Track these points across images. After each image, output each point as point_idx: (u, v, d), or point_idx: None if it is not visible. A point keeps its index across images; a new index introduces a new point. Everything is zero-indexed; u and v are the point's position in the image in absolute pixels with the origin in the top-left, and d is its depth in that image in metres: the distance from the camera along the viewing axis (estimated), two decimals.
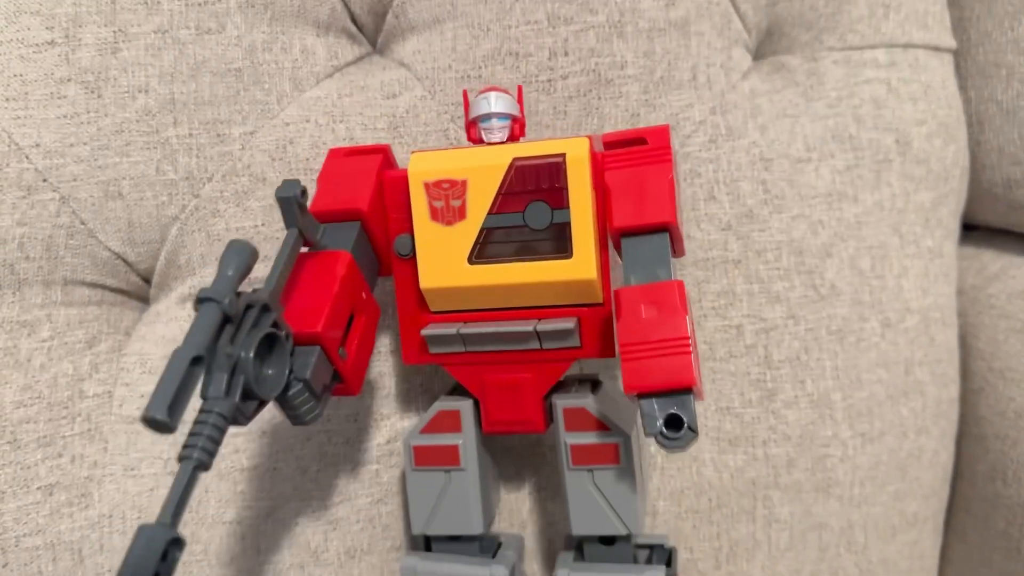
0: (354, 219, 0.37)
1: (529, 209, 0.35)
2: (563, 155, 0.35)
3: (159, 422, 0.26)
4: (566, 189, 0.35)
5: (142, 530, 0.25)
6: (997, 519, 0.50)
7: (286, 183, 0.33)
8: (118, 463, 0.43)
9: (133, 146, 0.42)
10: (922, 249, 0.49)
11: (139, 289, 0.46)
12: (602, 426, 0.37)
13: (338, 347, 0.34)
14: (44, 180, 0.42)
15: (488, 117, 0.37)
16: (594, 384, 0.39)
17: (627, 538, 0.39)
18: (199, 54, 0.42)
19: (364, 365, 0.36)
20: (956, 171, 0.51)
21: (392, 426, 0.45)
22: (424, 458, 0.39)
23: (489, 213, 0.35)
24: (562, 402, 0.37)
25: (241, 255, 0.30)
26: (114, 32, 0.42)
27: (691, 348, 0.32)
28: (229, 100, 0.43)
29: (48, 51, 0.41)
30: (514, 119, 0.37)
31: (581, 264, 0.35)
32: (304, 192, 0.33)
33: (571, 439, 0.37)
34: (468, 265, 0.36)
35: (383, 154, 0.39)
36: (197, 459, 0.27)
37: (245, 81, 0.43)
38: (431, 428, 0.39)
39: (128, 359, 0.45)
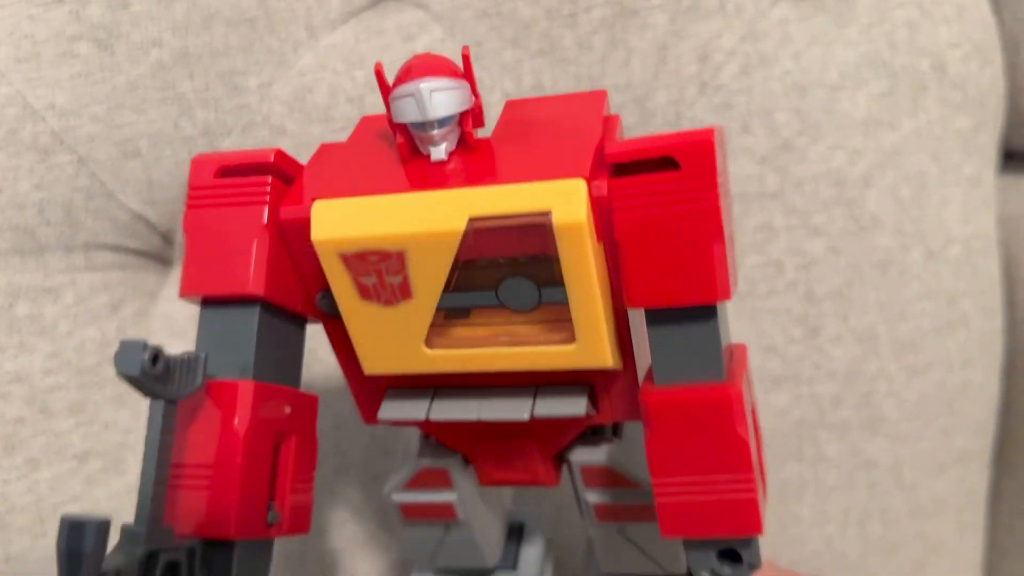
0: (248, 303, 0.26)
1: (504, 287, 0.25)
2: (548, 214, 0.23)
3: None
4: (557, 262, 0.24)
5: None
6: None
7: (124, 350, 0.22)
8: None
9: (149, 102, 0.41)
10: (961, 177, 0.48)
11: (161, 251, 0.45)
12: (630, 483, 0.29)
13: (264, 523, 0.26)
14: (60, 142, 0.41)
15: (422, 126, 0.24)
16: (615, 424, 0.31)
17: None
18: (211, 4, 0.41)
19: (308, 501, 0.28)
20: (993, 95, 0.50)
21: None
22: (415, 512, 0.32)
23: (445, 291, 0.25)
24: (578, 459, 0.30)
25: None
26: None
27: (756, 486, 0.23)
28: (244, 50, 0.42)
29: (57, 9, 0.40)
30: (463, 114, 0.25)
31: (590, 350, 0.25)
32: (155, 356, 0.23)
33: (593, 497, 0.30)
34: (425, 349, 0.26)
35: (271, 176, 0.26)
36: None
37: (259, 30, 0.42)
38: (417, 483, 0.31)
39: (154, 322, 0.44)
